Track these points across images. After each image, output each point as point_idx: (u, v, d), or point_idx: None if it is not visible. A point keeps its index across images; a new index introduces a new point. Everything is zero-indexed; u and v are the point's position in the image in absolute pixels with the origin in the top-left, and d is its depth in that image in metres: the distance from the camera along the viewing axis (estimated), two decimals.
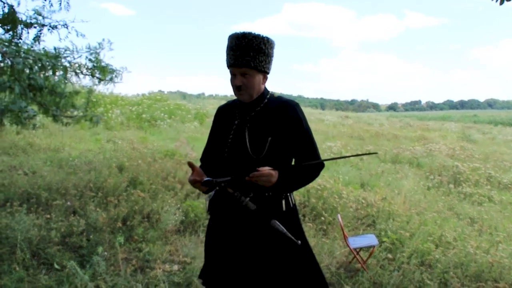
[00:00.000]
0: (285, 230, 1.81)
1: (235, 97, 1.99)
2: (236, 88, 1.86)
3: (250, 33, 1.81)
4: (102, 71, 5.45)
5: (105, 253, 3.69)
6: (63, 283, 3.12)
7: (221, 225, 1.98)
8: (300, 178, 1.89)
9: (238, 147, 1.89)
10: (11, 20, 4.27)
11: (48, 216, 4.31)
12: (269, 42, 1.85)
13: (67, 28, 5.05)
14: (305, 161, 1.87)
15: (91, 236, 3.96)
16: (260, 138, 1.85)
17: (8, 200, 4.81)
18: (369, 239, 3.94)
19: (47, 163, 7.32)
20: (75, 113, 5.47)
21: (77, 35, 5.11)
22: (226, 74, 1.96)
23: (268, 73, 1.92)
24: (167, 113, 17.16)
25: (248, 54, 1.79)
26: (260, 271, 1.88)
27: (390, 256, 3.95)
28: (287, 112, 1.87)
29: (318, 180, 6.00)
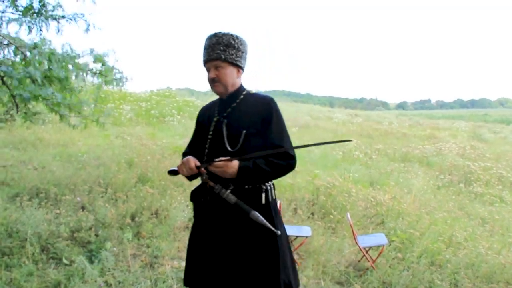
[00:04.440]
0: (264, 220, 1.82)
1: None
2: (211, 80, 1.97)
3: (220, 32, 1.96)
4: (107, 72, 5.47)
5: (114, 248, 3.70)
6: (72, 277, 3.13)
7: (204, 221, 2.02)
8: (266, 170, 1.85)
9: (217, 142, 1.96)
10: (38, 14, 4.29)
11: (57, 211, 4.34)
12: (238, 39, 1.97)
13: (85, 21, 5.06)
14: (277, 154, 1.87)
15: (99, 232, 3.97)
16: (236, 132, 1.92)
17: (18, 194, 4.85)
18: (379, 238, 3.90)
19: (56, 158, 7.36)
20: (85, 108, 5.48)
21: (93, 26, 5.11)
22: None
23: (241, 67, 2.01)
24: (176, 109, 17.15)
25: (219, 48, 1.92)
26: (237, 262, 1.91)
27: (399, 255, 3.91)
28: (262, 106, 1.95)
29: (328, 178, 5.96)
